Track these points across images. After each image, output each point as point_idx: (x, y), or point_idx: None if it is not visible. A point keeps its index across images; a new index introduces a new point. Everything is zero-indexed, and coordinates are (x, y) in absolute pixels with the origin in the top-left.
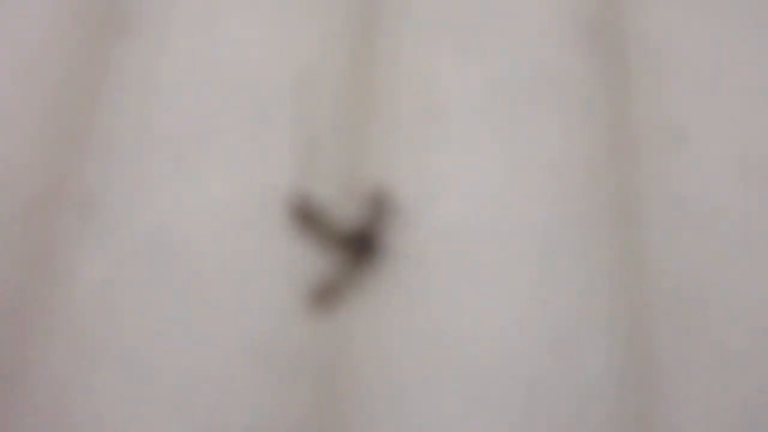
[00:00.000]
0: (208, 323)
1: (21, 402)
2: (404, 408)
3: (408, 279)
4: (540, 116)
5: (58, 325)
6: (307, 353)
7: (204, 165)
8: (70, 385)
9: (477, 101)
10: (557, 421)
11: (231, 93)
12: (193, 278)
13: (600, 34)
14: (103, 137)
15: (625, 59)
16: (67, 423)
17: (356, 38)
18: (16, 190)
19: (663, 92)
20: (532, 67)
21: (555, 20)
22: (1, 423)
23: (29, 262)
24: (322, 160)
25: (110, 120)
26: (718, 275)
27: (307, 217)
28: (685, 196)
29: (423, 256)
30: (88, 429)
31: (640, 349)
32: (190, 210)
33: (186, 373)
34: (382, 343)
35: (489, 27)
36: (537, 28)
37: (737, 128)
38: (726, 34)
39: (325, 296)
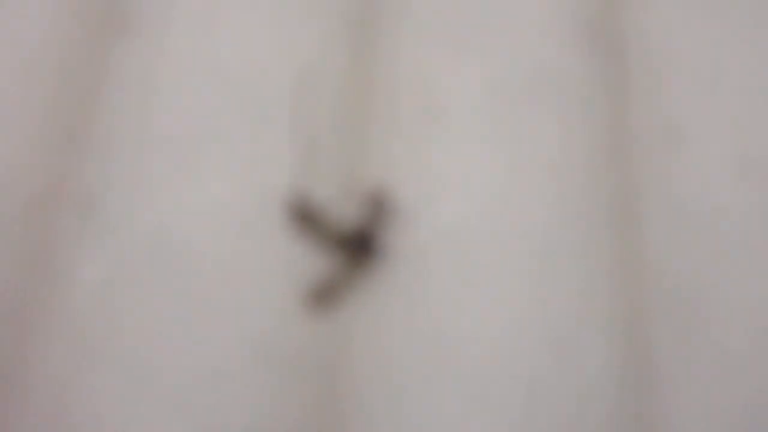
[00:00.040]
0: (208, 323)
1: (21, 402)
2: (404, 408)
3: (407, 279)
4: (540, 116)
5: (58, 325)
6: (306, 353)
7: (204, 165)
8: (70, 385)
9: (477, 101)
10: (557, 420)
11: (231, 93)
12: (192, 278)
13: (600, 34)
14: (103, 137)
15: (624, 59)
16: (67, 423)
17: (356, 38)
18: (16, 190)
19: (662, 92)
20: (532, 67)
21: (555, 20)
22: (1, 423)
23: (29, 262)
24: (321, 160)
25: (110, 120)
26: (717, 275)
27: (307, 217)
28: (684, 196)
29: (422, 256)
30: (88, 429)
31: (640, 349)
32: (190, 210)
33: (186, 373)
34: (382, 343)
35: (489, 27)
36: (537, 28)
37: (737, 128)
38: (726, 34)
39: (325, 296)
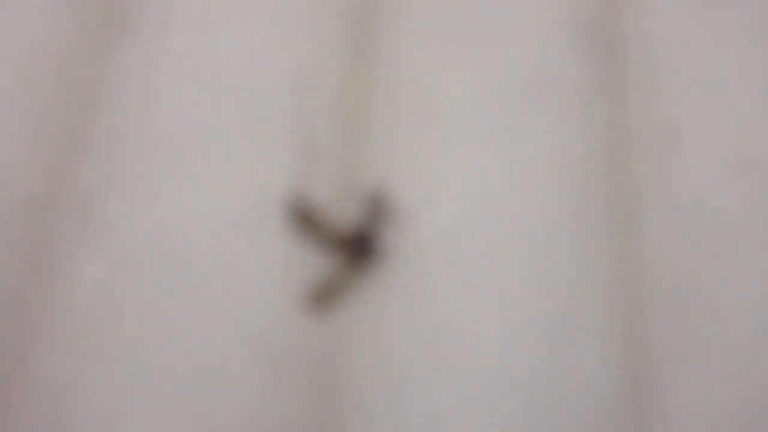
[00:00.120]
0: (208, 323)
1: (21, 402)
2: (404, 408)
3: (407, 279)
4: (539, 116)
5: (58, 325)
6: (306, 353)
7: (204, 165)
8: (70, 385)
9: (476, 101)
10: (556, 420)
11: (230, 93)
12: (192, 278)
13: (599, 34)
14: (103, 137)
15: (624, 59)
16: (67, 423)
17: (356, 38)
18: (15, 190)
19: (662, 92)
20: (532, 67)
21: (554, 20)
22: (1, 423)
23: (29, 262)
24: (321, 160)
25: (110, 120)
26: (717, 275)
27: (306, 218)
28: (683, 196)
29: (422, 257)
30: (88, 429)
31: (639, 349)
32: (189, 210)
33: (186, 373)
34: (382, 342)
35: (488, 27)
36: (536, 29)
37: (736, 128)
38: (725, 34)
39: (325, 296)
